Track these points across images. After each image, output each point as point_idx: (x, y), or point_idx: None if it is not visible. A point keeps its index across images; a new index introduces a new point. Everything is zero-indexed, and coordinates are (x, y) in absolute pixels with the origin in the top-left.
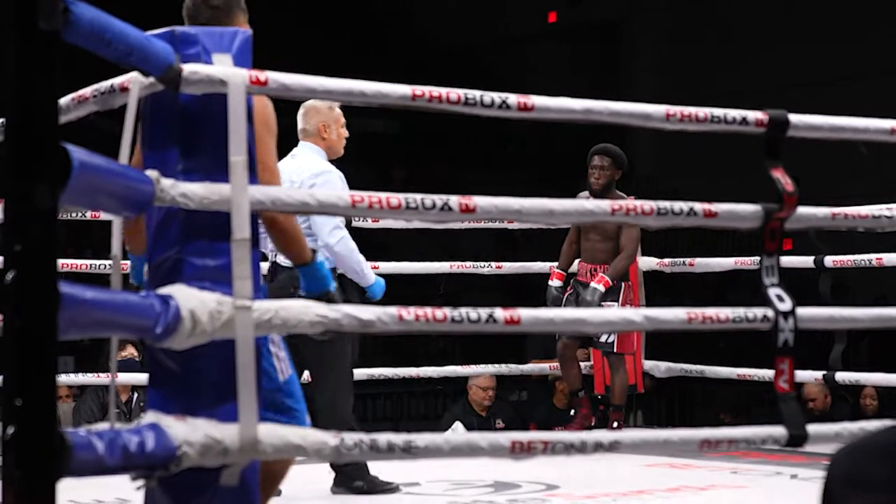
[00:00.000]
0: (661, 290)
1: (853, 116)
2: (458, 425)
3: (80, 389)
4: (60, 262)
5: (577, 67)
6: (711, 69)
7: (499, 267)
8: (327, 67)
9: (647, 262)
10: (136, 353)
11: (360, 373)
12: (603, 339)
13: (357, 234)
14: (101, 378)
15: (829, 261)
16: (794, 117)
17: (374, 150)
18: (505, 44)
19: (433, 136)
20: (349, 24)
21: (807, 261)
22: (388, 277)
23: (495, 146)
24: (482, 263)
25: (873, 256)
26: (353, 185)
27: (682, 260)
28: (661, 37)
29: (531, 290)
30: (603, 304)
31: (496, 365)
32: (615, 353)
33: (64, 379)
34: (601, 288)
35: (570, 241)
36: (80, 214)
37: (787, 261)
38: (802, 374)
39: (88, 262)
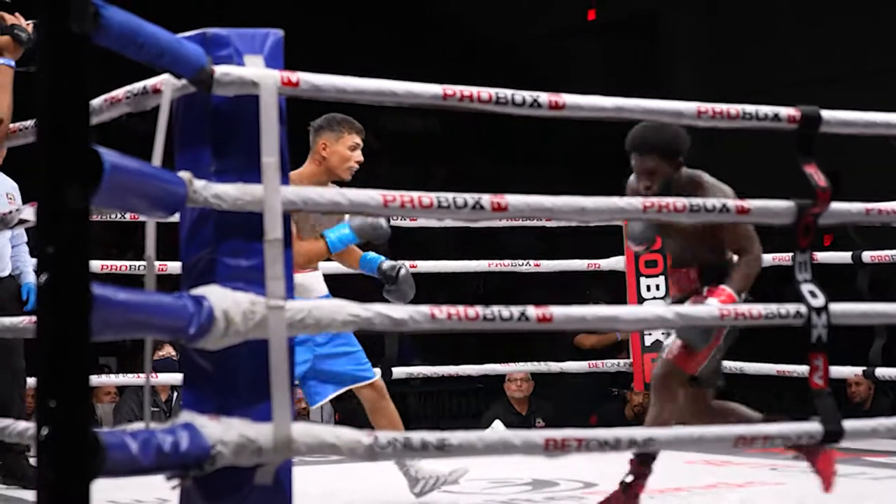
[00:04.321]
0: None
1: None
2: (497, 424)
3: (120, 390)
4: (102, 263)
5: (616, 63)
6: (750, 64)
7: (537, 265)
8: (367, 65)
9: None
10: (173, 353)
11: (399, 371)
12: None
13: (395, 232)
14: (140, 378)
15: (868, 256)
16: (826, 113)
17: (414, 149)
18: (545, 39)
19: (474, 134)
20: (389, 21)
21: (845, 256)
22: (428, 276)
23: (538, 143)
24: (521, 262)
25: None
26: (392, 184)
27: None
28: (700, 32)
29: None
30: None
31: (535, 363)
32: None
33: (104, 379)
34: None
35: None
36: (121, 216)
37: (826, 256)
38: (843, 370)
39: (130, 262)
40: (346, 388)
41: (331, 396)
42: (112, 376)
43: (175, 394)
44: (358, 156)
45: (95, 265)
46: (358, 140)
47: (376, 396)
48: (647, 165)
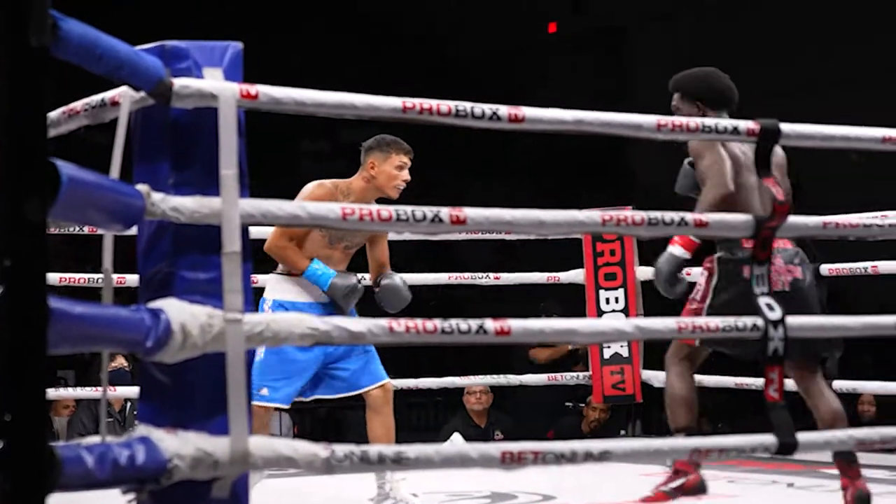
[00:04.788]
0: None
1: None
2: (456, 437)
3: (78, 403)
4: (60, 276)
5: (584, 77)
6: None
7: (497, 278)
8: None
9: (645, 272)
10: (126, 364)
11: None
12: None
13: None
14: (98, 392)
15: (825, 269)
16: (785, 126)
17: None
18: (515, 54)
19: (438, 147)
20: (361, 39)
21: None
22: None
23: (499, 157)
24: (480, 274)
25: (869, 264)
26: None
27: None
28: (665, 44)
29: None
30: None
31: (494, 376)
32: None
33: (61, 393)
34: (678, 252)
35: None
36: (78, 229)
37: None
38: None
39: (88, 275)
40: (358, 390)
41: (338, 396)
42: (70, 389)
43: (129, 404)
44: (405, 175)
45: (53, 278)
46: (405, 160)
47: (382, 401)
48: (672, 103)
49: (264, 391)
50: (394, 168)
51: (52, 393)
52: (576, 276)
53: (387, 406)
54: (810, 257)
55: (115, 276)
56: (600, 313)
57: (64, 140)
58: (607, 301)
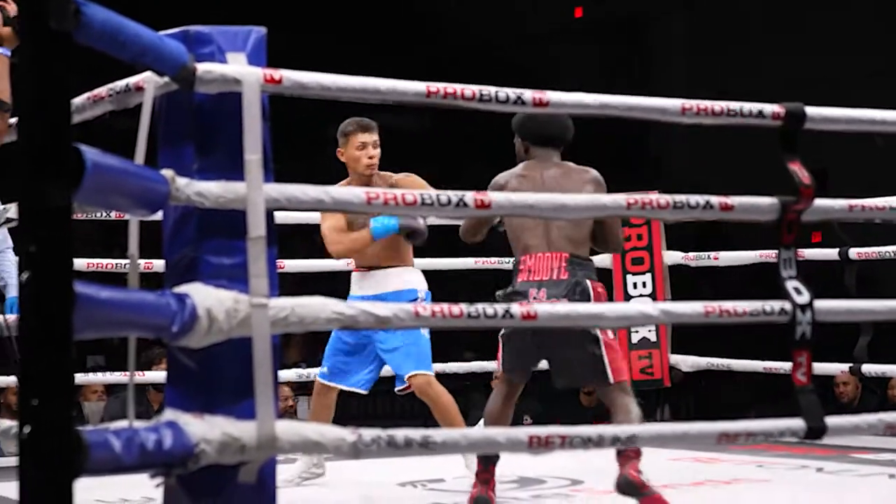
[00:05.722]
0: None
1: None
2: (483, 423)
3: (109, 389)
4: (88, 261)
5: (605, 64)
6: (740, 64)
7: None
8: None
9: (672, 257)
10: None
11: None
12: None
13: None
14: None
15: (854, 253)
16: (810, 110)
17: (403, 148)
18: (531, 40)
19: (466, 134)
20: (373, 23)
21: (832, 253)
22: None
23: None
24: (508, 259)
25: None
26: None
27: (707, 254)
28: (689, 30)
29: None
30: None
31: None
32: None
33: (91, 378)
34: None
35: None
36: (106, 214)
37: (813, 253)
38: (829, 367)
39: (116, 261)
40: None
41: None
42: (100, 374)
43: None
44: (369, 152)
45: (81, 263)
46: (363, 139)
47: (423, 386)
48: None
49: (324, 369)
50: (355, 150)
51: (81, 378)
52: (603, 260)
53: (430, 389)
54: (839, 242)
55: (142, 262)
56: (627, 298)
57: (88, 126)
58: (634, 286)
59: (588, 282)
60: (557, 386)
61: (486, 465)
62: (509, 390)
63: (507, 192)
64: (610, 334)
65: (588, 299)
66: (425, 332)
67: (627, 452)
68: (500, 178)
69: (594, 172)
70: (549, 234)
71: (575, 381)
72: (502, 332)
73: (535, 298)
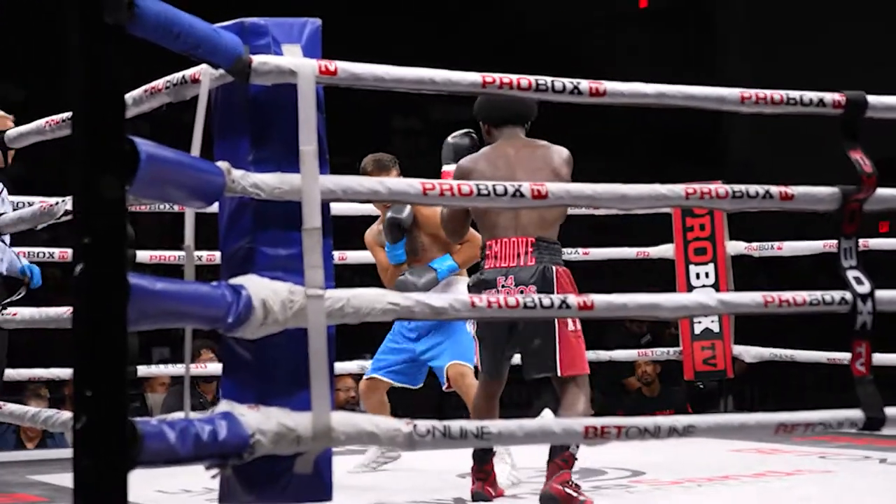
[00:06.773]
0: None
1: None
2: (547, 412)
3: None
4: (150, 253)
5: (665, 53)
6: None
7: (586, 253)
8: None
9: (735, 247)
10: None
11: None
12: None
13: None
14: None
15: None
16: (872, 98)
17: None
18: (592, 29)
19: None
20: (435, 8)
21: None
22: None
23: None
24: (570, 249)
25: None
26: (436, 174)
27: (770, 244)
28: (752, 19)
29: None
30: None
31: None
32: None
33: (153, 370)
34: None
35: None
36: (169, 207)
37: (880, 243)
38: (890, 357)
39: (179, 253)
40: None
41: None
42: (162, 366)
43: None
44: None
45: (144, 256)
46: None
47: (456, 376)
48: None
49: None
50: None
51: (143, 370)
52: (665, 251)
53: (463, 380)
54: None
55: (204, 254)
56: (690, 288)
57: (149, 117)
58: (697, 276)
59: (554, 267)
60: (525, 377)
61: (482, 462)
62: (489, 389)
63: (475, 177)
64: (570, 326)
65: (552, 286)
66: (469, 329)
67: (556, 461)
68: (465, 162)
69: (566, 152)
70: (519, 214)
71: (531, 372)
72: (476, 330)
73: (503, 287)
